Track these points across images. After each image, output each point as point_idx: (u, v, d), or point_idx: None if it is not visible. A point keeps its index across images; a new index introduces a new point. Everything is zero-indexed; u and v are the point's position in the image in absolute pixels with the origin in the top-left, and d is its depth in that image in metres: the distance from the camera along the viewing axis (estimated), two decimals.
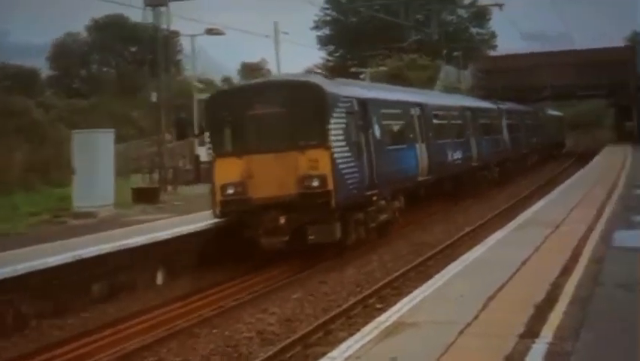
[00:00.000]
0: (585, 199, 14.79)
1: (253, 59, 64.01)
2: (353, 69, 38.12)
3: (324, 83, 12.74)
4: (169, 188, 21.73)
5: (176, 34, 37.04)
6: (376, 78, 33.33)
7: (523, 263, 8.37)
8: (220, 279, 11.73)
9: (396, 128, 15.38)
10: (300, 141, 11.85)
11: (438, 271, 8.63)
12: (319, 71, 52.61)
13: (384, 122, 14.39)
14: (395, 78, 32.47)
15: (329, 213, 11.86)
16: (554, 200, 15.64)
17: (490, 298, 6.67)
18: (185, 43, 41.54)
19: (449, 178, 19.44)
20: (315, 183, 11.74)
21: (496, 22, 56.68)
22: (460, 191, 20.78)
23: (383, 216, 14.10)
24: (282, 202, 11.79)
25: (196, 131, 27.67)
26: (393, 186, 14.42)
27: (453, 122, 20.18)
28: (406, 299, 7.04)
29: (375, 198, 13.43)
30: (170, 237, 12.00)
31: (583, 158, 33.59)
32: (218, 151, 12.29)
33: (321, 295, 10.59)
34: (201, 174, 26.06)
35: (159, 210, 17.08)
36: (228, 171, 12.02)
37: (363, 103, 13.37)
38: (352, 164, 12.51)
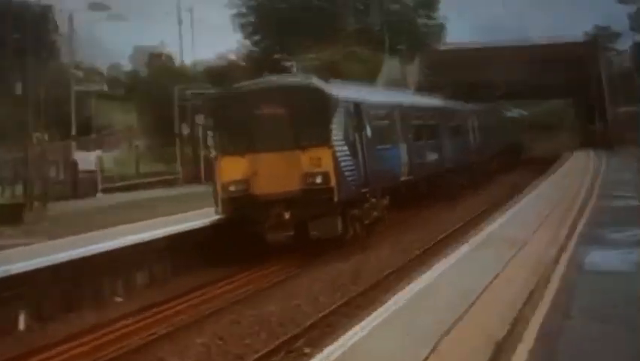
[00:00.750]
0: (554, 213, 15.22)
1: (150, 42, 63.18)
2: (281, 61, 38.22)
3: (325, 86, 15.66)
4: (35, 204, 20.90)
5: (49, 9, 36.03)
6: (308, 71, 33.56)
7: (483, 291, 8.42)
8: (99, 321, 11.30)
9: (383, 128, 18.49)
10: (302, 141, 14.61)
11: (382, 303, 8.57)
12: (233, 57, 52.35)
13: (374, 123, 17.36)
14: (329, 71, 32.81)
15: (332, 209, 14.60)
16: (520, 213, 16.03)
17: (443, 335, 6.63)
18: (62, 21, 40.41)
19: (424, 179, 22.61)
20: (319, 180, 14.45)
21: (445, 12, 58.48)
22: (433, 193, 23.46)
23: (374, 214, 16.70)
24: (286, 198, 14.39)
25: (74, 131, 26.85)
26: (381, 183, 17.22)
27: (430, 122, 23.97)
28: (339, 341, 6.92)
29: (367, 195, 16.19)
30: (31, 269, 11.45)
31: (543, 165, 34.92)
32: (223, 150, 14.92)
33: (234, 338, 10.35)
34: (79, 186, 25.25)
35: (23, 234, 16.37)
36: (232, 169, 14.64)
37: (357, 105, 16.35)
38: (350, 162, 15.34)
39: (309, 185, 14.45)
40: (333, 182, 14.51)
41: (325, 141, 14.62)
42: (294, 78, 17.34)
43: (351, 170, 15.32)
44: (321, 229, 14.52)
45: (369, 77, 36.44)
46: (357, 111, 16.22)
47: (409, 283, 9.46)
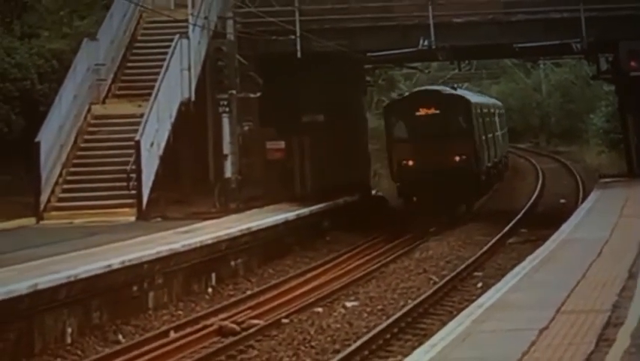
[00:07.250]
0: None
1: None
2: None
3: (466, 94, 27.15)
4: None
5: None
6: None
7: None
8: None
9: (487, 124, 27.78)
10: (451, 133, 23.33)
11: None
12: None
13: (482, 120, 26.73)
14: None
15: (472, 183, 23.41)
16: None
17: None
18: None
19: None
20: (463, 162, 23.06)
21: None
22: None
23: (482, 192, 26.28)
24: (441, 172, 22.27)
25: None
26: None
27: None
28: None
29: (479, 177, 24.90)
30: None
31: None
32: (397, 138, 23.80)
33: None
34: None
35: None
36: (404, 151, 23.23)
37: (475, 107, 25.76)
38: (479, 150, 24.31)
39: (456, 164, 22.90)
40: (473, 164, 23.35)
41: (469, 134, 23.70)
42: (443, 88, 27.53)
43: (481, 156, 24.27)
44: (463, 197, 23.26)
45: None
46: (474, 110, 25.08)
47: None
